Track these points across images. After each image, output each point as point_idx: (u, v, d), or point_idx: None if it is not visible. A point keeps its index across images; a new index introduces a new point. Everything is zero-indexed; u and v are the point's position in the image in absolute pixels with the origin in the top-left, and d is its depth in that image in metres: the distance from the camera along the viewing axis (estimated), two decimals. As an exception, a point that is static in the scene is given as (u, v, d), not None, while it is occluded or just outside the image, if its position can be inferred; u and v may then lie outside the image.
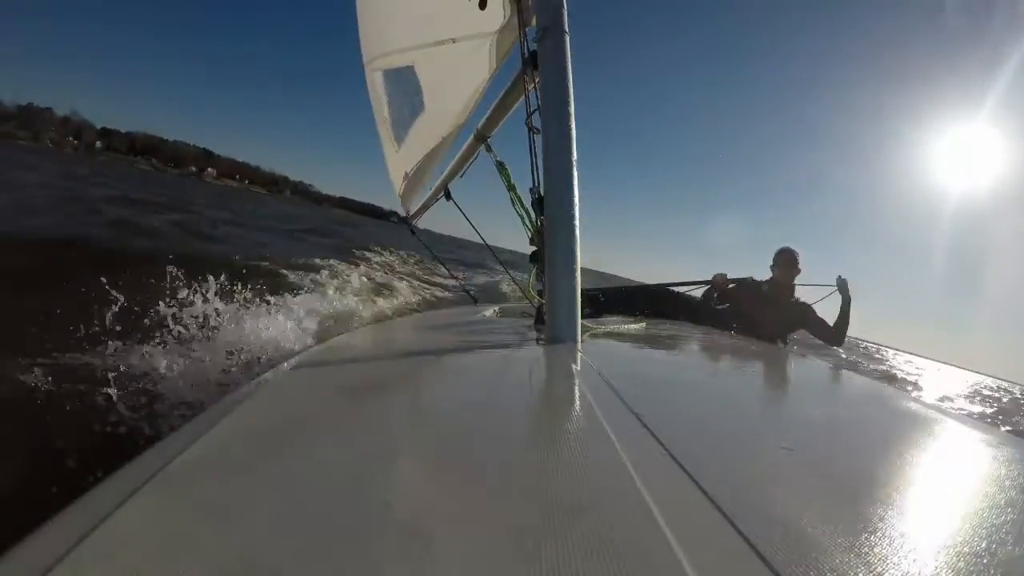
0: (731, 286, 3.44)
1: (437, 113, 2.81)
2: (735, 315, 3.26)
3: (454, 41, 2.37)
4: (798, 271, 3.33)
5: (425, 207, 3.98)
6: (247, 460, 0.67)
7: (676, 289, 3.59)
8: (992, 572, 0.44)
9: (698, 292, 3.57)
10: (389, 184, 4.02)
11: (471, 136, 2.54)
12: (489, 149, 2.34)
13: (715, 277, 3.45)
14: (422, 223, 4.31)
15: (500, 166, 2.14)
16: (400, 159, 3.53)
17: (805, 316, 3.34)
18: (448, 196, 3.47)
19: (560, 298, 1.44)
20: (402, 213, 4.23)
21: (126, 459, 0.68)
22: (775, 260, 3.36)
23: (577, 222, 1.49)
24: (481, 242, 3.02)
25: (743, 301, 3.34)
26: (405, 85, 3.00)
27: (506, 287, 7.99)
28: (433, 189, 3.62)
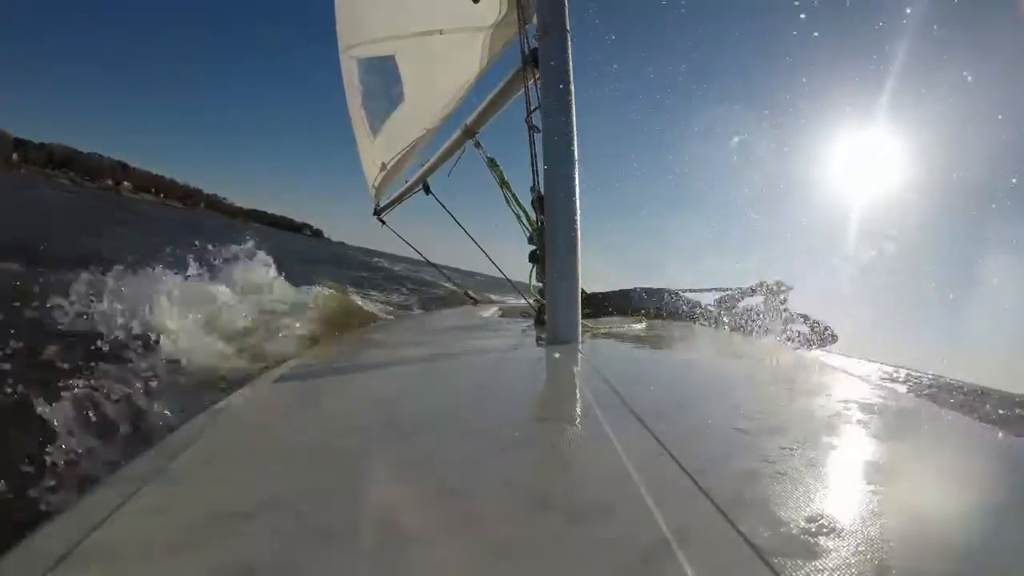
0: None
1: (419, 105, 2.75)
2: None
3: (441, 33, 2.33)
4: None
5: (399, 199, 3.89)
6: (246, 461, 0.67)
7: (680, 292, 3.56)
8: (992, 571, 0.45)
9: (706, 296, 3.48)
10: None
11: (457, 131, 2.50)
12: (478, 145, 2.31)
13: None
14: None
15: (491, 163, 2.12)
16: (376, 150, 3.43)
17: None
18: (427, 190, 3.41)
19: (560, 299, 1.44)
20: (373, 204, 4.13)
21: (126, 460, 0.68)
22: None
23: (578, 222, 1.49)
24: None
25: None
26: (384, 75, 2.91)
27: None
28: (410, 183, 3.54)
